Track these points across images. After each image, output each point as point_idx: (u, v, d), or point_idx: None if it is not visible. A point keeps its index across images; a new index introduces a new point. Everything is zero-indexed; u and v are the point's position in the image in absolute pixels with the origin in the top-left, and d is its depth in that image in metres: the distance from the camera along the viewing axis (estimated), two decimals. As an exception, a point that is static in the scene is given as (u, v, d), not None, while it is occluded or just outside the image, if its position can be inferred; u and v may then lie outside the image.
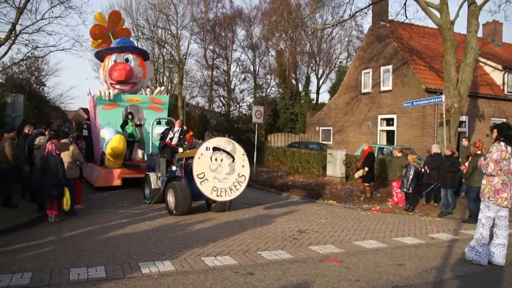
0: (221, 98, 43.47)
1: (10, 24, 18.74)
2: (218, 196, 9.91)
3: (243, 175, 10.14)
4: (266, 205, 12.18)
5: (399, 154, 12.99)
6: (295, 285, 5.69)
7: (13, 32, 18.43)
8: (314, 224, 9.80)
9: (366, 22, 63.60)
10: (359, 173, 13.63)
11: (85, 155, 14.48)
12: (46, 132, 11.97)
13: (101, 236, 8.23)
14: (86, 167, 14.85)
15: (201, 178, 9.70)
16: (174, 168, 11.25)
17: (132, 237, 8.21)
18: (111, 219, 9.85)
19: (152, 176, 11.99)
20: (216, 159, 9.86)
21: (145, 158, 15.30)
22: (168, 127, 13.80)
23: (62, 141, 10.69)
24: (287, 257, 7.00)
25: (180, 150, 11.17)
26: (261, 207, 11.81)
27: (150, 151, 13.89)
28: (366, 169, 13.41)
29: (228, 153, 10.01)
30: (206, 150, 9.84)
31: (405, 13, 18.37)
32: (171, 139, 12.30)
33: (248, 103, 42.05)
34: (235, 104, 43.00)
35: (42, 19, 24.51)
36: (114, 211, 10.96)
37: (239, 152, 10.19)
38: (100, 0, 53.53)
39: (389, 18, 23.08)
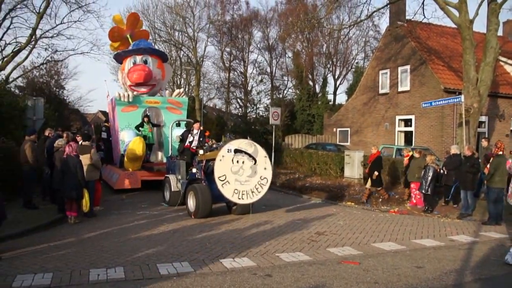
0: (238, 100, 43.56)
1: (31, 29, 19.12)
2: (239, 198, 9.76)
3: (265, 178, 9.99)
4: (284, 207, 12.16)
5: (418, 155, 12.85)
6: (313, 287, 5.67)
7: (34, 37, 18.79)
8: (332, 226, 9.75)
9: (384, 22, 63.26)
10: (369, 183, 13.29)
11: (104, 157, 14.57)
12: (65, 135, 12.11)
13: (119, 238, 8.31)
14: (105, 169, 14.97)
15: (223, 180, 9.57)
16: (194, 170, 11.13)
17: (151, 238, 8.27)
18: (129, 221, 9.94)
19: (172, 178, 11.89)
20: (237, 161, 9.71)
21: (164, 161, 15.34)
22: (187, 129, 13.71)
23: (83, 143, 10.83)
24: (305, 259, 6.98)
25: (201, 152, 11.03)
26: (279, 209, 11.79)
27: (170, 153, 13.78)
28: (376, 173, 13.02)
29: (250, 155, 9.87)
30: (228, 152, 9.71)
31: (423, 13, 18.27)
32: (191, 142, 12.16)
33: (265, 105, 42.05)
34: (252, 105, 43.03)
35: (61, 23, 25.00)
36: (133, 212, 11.05)
37: (261, 154, 10.06)
38: (117, 4, 54.19)
39: (407, 17, 22.81)
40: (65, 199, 9.62)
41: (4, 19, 24.42)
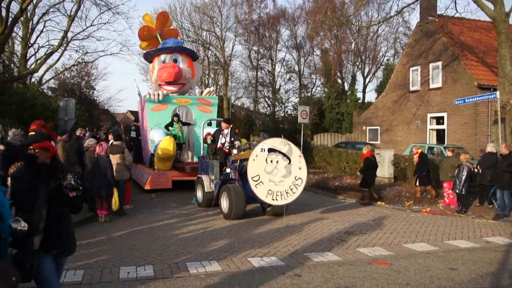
0: (266, 99, 43.53)
1: (63, 31, 19.54)
2: (273, 199, 9.44)
3: (300, 178, 9.61)
4: (312, 206, 12.05)
5: (451, 154, 12.54)
6: (343, 287, 5.58)
7: (65, 39, 19.19)
8: (362, 226, 9.60)
9: (414, 18, 62.13)
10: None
11: (134, 157, 14.67)
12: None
13: (149, 236, 8.38)
14: (135, 168, 15.09)
15: (256, 180, 9.27)
16: (228, 170, 10.86)
17: (180, 237, 8.31)
18: (159, 219, 10.01)
19: (205, 179, 11.55)
20: (271, 161, 9.40)
21: (194, 160, 15.27)
22: (218, 128, 13.29)
23: (115, 143, 10.98)
24: (334, 259, 6.89)
25: (235, 152, 10.67)
26: (307, 208, 11.68)
27: (202, 153, 13.41)
28: (359, 174, 13.28)
29: (284, 154, 9.56)
30: (261, 151, 9.40)
31: (455, 7, 17.70)
32: (223, 143, 11.67)
33: (294, 103, 41.92)
34: (280, 104, 42.94)
35: (91, 25, 25.54)
36: (162, 211, 11.13)
37: (296, 153, 9.70)
38: (145, 5, 54.93)
39: (438, 12, 22.30)
40: (96, 197, 9.76)
41: (37, 22, 25.15)
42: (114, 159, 10.29)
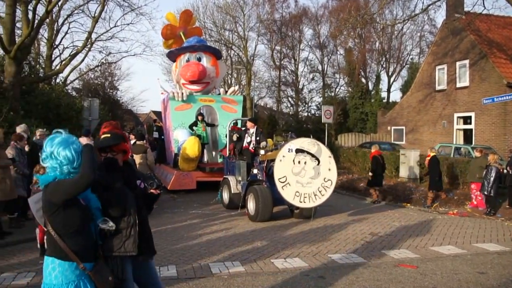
0: (289, 99, 43.44)
1: (87, 32, 19.82)
2: (301, 202, 9.15)
3: (329, 180, 9.29)
4: (337, 207, 11.93)
5: (479, 154, 12.25)
6: (368, 291, 5.49)
7: (89, 40, 19.43)
8: (387, 228, 9.44)
9: (440, 16, 61.05)
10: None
11: (157, 157, 14.67)
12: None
13: (172, 236, 8.40)
14: (158, 168, 15.13)
15: (283, 182, 9.00)
16: (255, 171, 10.53)
17: (203, 237, 8.31)
18: (182, 220, 10.04)
19: (232, 180, 11.23)
20: (299, 162, 9.10)
21: (218, 161, 15.17)
22: (244, 128, 13.13)
23: (138, 143, 11.07)
24: (359, 261, 6.79)
25: (262, 152, 10.30)
26: (331, 209, 11.56)
27: (227, 153, 13.00)
28: (370, 174, 13.19)
29: (312, 155, 9.25)
30: (289, 152, 9.10)
31: (483, 3, 17.24)
32: (249, 143, 11.46)
33: (317, 103, 41.71)
34: (304, 104, 42.77)
35: (115, 26, 25.94)
36: (185, 211, 11.16)
37: (325, 154, 9.38)
38: (168, 6, 55.42)
39: (465, 9, 21.85)
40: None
41: (62, 24, 25.65)
42: (137, 158, 10.38)
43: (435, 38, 25.78)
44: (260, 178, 10.29)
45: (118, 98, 35.70)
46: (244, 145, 11.54)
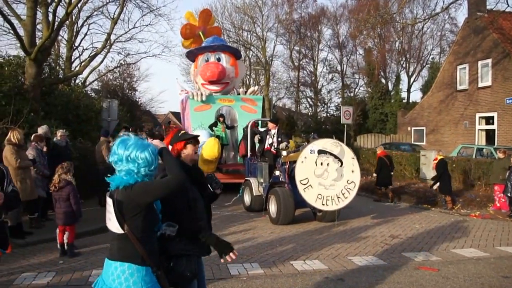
0: (308, 99, 43.31)
1: (106, 34, 20.01)
2: (323, 204, 8.87)
3: (352, 182, 8.97)
4: (356, 208, 11.78)
5: (502, 155, 11.98)
6: (388, 294, 5.39)
7: (108, 42, 19.58)
8: (408, 229, 9.29)
9: (461, 14, 60.17)
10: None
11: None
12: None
13: (190, 237, 8.38)
14: None
15: (305, 184, 8.72)
16: (277, 173, 10.29)
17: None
18: (200, 220, 10.01)
19: (253, 182, 10.97)
20: (321, 163, 8.78)
21: (237, 162, 14.99)
22: (265, 129, 12.77)
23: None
24: (379, 263, 6.69)
25: (284, 153, 10.00)
26: (351, 211, 11.42)
27: (249, 155, 12.61)
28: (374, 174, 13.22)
29: (335, 156, 8.96)
30: (311, 153, 8.80)
31: (507, 1, 16.90)
32: (271, 144, 11.16)
33: (336, 104, 41.52)
34: (323, 105, 42.60)
35: (134, 27, 26.22)
36: (203, 212, 11.12)
37: (348, 155, 9.06)
38: (186, 6, 55.77)
39: (488, 7, 21.45)
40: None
41: (82, 26, 25.97)
42: (156, 159, 10.40)
43: (457, 37, 25.37)
44: (282, 180, 10.07)
45: (137, 99, 35.85)
46: (265, 146, 11.32)
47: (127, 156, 2.87)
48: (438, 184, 12.28)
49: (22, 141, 7.92)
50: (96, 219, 9.47)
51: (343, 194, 8.95)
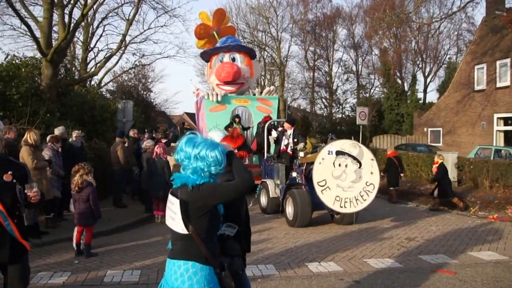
0: (323, 100, 43.12)
1: (121, 35, 20.15)
2: (341, 207, 8.73)
3: (371, 184, 8.82)
4: (372, 210, 11.64)
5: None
6: (404, 297, 5.31)
7: (123, 43, 19.70)
8: (424, 232, 9.16)
9: (479, 13, 59.37)
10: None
11: None
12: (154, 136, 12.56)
13: (205, 238, 8.38)
14: None
15: (322, 186, 8.56)
16: (294, 174, 10.08)
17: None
18: (214, 221, 10.00)
19: (270, 183, 10.73)
20: (340, 165, 8.60)
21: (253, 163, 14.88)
22: (281, 130, 12.54)
23: (172, 144, 11.14)
24: (395, 266, 6.60)
25: (301, 154, 9.83)
26: (366, 213, 11.28)
27: (265, 156, 12.44)
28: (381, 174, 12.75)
29: (354, 157, 8.78)
30: (328, 154, 8.64)
31: (526, 0, 16.66)
32: (287, 145, 10.98)
33: (351, 104, 41.30)
34: (338, 105, 42.41)
35: (148, 28, 26.41)
36: (218, 213, 11.11)
37: (367, 156, 8.88)
38: (201, 7, 55.98)
39: (506, 6, 21.11)
40: (153, 198, 9.91)
41: (97, 27, 26.23)
42: (172, 160, 10.43)
43: (474, 36, 25.03)
44: (299, 182, 9.85)
45: (152, 100, 36.01)
46: (281, 147, 11.14)
47: (196, 154, 2.85)
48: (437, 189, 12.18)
49: (38, 142, 7.98)
50: (110, 219, 9.55)
51: (361, 196, 8.81)
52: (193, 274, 2.84)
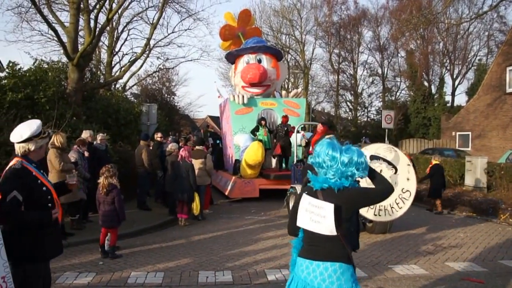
0: (348, 103, 42.76)
1: (145, 39, 20.39)
2: (375, 215, 8.28)
3: (407, 191, 8.36)
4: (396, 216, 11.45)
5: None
6: (430, 306, 5.16)
7: (148, 47, 19.92)
8: (452, 238, 8.92)
9: (511, 12, 57.57)
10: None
11: (215, 163, 14.41)
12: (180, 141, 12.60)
13: (228, 241, 8.37)
14: (216, 174, 14.82)
15: None
16: None
17: (259, 243, 8.22)
18: (238, 225, 10.00)
19: (299, 189, 10.36)
20: None
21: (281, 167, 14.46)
22: (312, 133, 12.45)
23: (197, 148, 11.17)
24: (421, 272, 6.45)
25: None
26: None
27: (295, 160, 12.07)
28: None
29: (389, 163, 8.57)
30: None
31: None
32: None
33: (377, 108, 40.82)
34: (363, 109, 41.97)
35: (172, 32, 26.71)
36: (241, 217, 11.09)
37: (403, 162, 8.40)
38: (225, 10, 56.16)
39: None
40: (177, 201, 9.95)
41: (122, 31, 26.65)
42: (196, 164, 10.45)
43: (506, 36, 24.42)
44: None
45: (176, 103, 36.28)
46: (310, 149, 10.72)
47: (350, 159, 2.96)
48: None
49: (65, 145, 8.13)
50: (135, 221, 9.63)
51: (397, 204, 8.43)
52: (341, 274, 2.96)
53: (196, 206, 9.98)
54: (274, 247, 7.94)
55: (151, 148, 11.83)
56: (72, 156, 8.60)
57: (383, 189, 3.04)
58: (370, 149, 8.11)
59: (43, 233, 3.59)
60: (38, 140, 3.65)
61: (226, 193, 13.99)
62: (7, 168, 3.58)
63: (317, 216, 2.94)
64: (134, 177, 11.59)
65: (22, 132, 3.59)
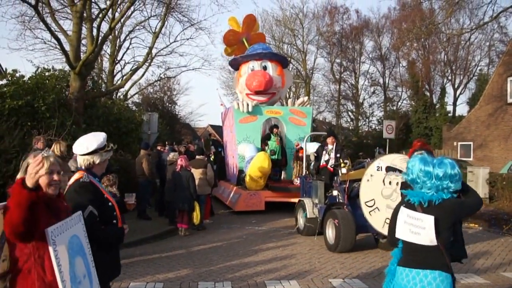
0: (349, 113, 42.72)
1: (147, 48, 20.44)
2: None
3: None
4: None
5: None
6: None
7: (150, 56, 19.96)
8: (453, 249, 8.83)
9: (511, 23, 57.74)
10: None
11: (217, 173, 14.07)
12: (176, 149, 12.56)
13: (228, 252, 8.31)
14: (218, 185, 14.32)
15: (371, 206, 7.45)
16: (335, 193, 9.19)
17: (259, 254, 8.16)
18: (238, 236, 9.94)
19: (308, 202, 9.85)
20: (390, 182, 7.44)
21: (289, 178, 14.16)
22: (321, 144, 11.96)
23: (198, 157, 11.13)
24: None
25: (344, 171, 8.89)
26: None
27: (304, 172, 11.67)
28: None
29: None
30: (377, 170, 7.54)
31: (562, 9, 16.10)
32: (327, 161, 10.33)
33: (378, 118, 40.76)
34: (364, 118, 41.94)
35: (174, 41, 26.78)
36: (241, 227, 11.02)
37: None
38: (227, 19, 56.47)
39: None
40: (177, 211, 9.90)
41: (124, 40, 26.76)
42: (197, 173, 10.39)
43: (507, 47, 24.44)
44: (341, 201, 8.95)
45: (177, 113, 36.19)
46: (321, 163, 10.50)
47: (444, 173, 3.09)
48: None
49: (65, 153, 8.08)
50: (135, 231, 9.56)
51: None
52: (440, 282, 3.08)
53: (196, 215, 9.93)
54: (275, 258, 7.88)
55: (150, 156, 11.80)
56: (72, 164, 8.55)
57: (476, 202, 3.27)
58: (385, 160, 7.71)
59: (108, 252, 3.38)
60: (103, 153, 3.50)
61: (229, 205, 13.58)
62: (71, 182, 3.41)
63: (416, 227, 3.10)
64: (135, 186, 11.54)
65: (88, 144, 3.43)
